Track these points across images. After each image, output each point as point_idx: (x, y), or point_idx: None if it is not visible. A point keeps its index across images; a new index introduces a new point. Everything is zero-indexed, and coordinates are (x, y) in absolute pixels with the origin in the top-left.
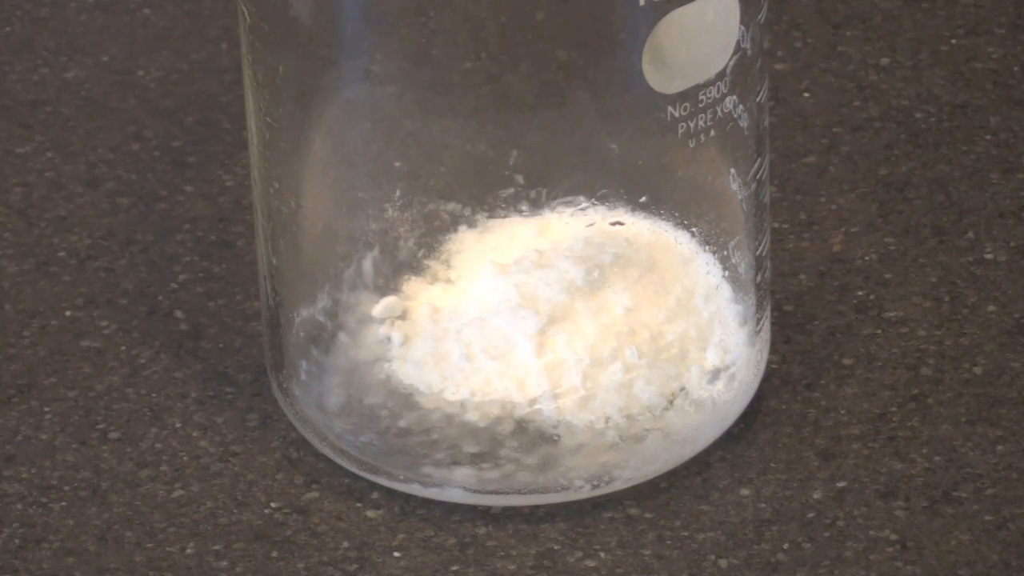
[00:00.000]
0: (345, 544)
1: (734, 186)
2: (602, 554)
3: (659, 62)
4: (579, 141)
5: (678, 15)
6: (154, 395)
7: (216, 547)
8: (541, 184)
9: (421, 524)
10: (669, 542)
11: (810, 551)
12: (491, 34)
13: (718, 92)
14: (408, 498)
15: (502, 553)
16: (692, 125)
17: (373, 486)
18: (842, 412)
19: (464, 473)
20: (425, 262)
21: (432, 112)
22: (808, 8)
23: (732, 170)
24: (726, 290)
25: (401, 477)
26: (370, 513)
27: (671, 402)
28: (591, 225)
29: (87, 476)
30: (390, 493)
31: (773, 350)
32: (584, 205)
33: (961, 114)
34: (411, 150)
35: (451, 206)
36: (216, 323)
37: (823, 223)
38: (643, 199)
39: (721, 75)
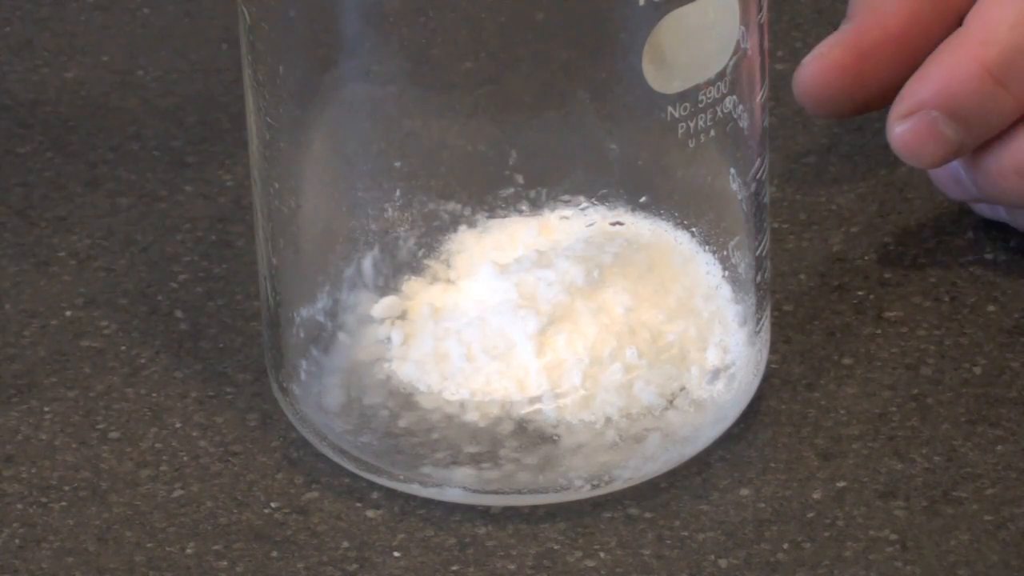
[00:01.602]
0: (345, 544)
1: (734, 186)
2: (602, 554)
3: (659, 62)
4: (579, 141)
5: (678, 15)
6: (154, 395)
7: (216, 547)
8: (541, 184)
9: (421, 524)
10: (669, 542)
11: (810, 551)
12: (491, 34)
13: (718, 92)
14: (408, 498)
15: (502, 553)
16: (692, 125)
17: (373, 486)
18: (842, 412)
19: (464, 473)
20: (425, 262)
21: (432, 112)
22: (808, 8)
23: (732, 170)
24: (726, 290)
25: (401, 477)
26: (370, 513)
27: (671, 402)
28: (591, 225)
29: (87, 476)
30: (390, 493)
31: (773, 350)
32: (584, 205)
33: None
34: (411, 150)
35: (451, 206)
36: (216, 323)
37: (823, 223)
38: (643, 199)
39: (721, 75)
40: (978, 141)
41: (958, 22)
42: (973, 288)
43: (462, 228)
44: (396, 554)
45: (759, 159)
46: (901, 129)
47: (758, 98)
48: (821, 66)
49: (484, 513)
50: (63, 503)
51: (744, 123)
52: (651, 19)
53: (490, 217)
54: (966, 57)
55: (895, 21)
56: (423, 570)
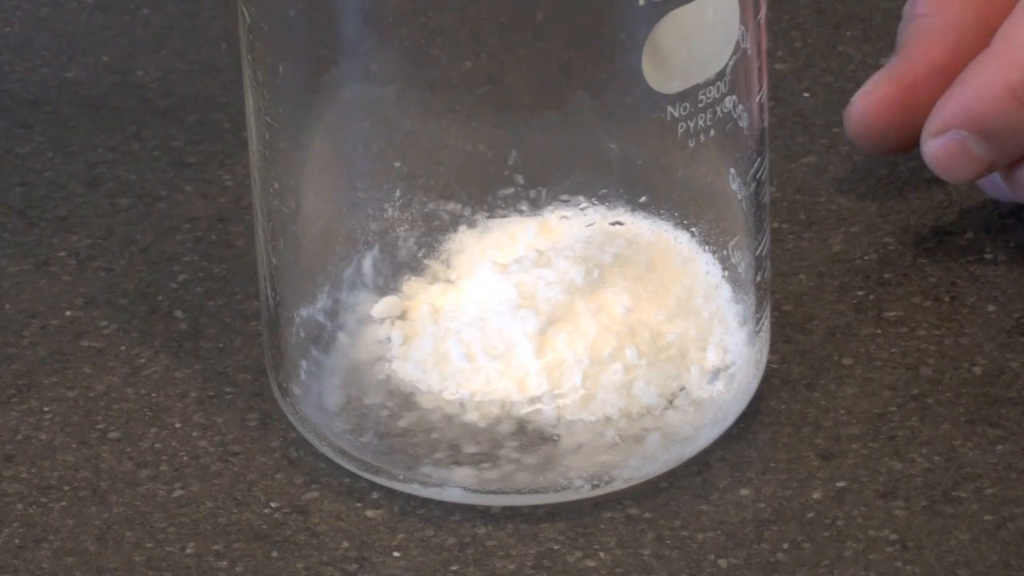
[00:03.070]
0: (345, 544)
1: (734, 186)
2: (602, 554)
3: (659, 62)
4: (579, 141)
5: (678, 15)
6: (154, 395)
7: (216, 547)
8: (541, 184)
9: (421, 524)
10: (669, 542)
11: (810, 551)
12: (491, 34)
13: (718, 92)
14: (408, 498)
15: (502, 553)
16: (692, 125)
17: (373, 486)
18: (842, 412)
19: (464, 473)
20: (425, 262)
21: (432, 112)
22: (808, 8)
23: (732, 170)
24: (726, 290)
25: (401, 477)
26: (370, 513)
27: (671, 402)
28: (591, 225)
29: (87, 476)
30: (390, 493)
31: (773, 350)
32: (584, 205)
33: None
34: (411, 150)
35: (451, 206)
36: (216, 323)
37: (823, 223)
38: (643, 199)
39: (721, 75)
40: (1010, 158)
41: None
42: (973, 288)
43: (462, 228)
44: (396, 554)
45: (759, 159)
46: (933, 147)
47: (758, 98)
48: (869, 102)
49: (484, 513)
50: (63, 503)
51: (744, 123)
52: (651, 19)
53: (490, 217)
54: (991, 78)
55: (939, 53)
56: (423, 570)
